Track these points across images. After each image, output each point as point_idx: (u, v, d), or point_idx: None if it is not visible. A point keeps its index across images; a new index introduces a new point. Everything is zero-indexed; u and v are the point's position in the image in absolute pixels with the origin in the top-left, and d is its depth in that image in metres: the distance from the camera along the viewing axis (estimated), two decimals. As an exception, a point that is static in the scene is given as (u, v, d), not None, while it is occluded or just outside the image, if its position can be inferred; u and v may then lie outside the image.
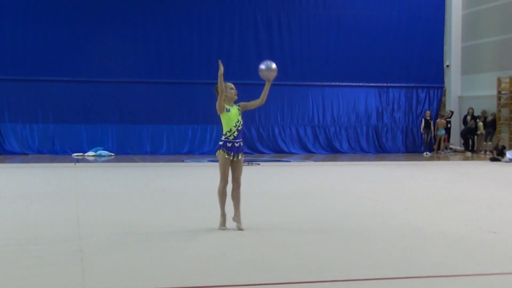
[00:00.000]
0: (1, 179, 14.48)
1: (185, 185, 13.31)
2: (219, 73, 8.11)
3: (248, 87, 25.24)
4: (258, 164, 19.48)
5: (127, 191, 11.87)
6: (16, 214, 9.01)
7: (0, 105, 23.80)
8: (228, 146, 7.93)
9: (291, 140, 26.04)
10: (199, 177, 15.41)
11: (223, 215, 8.00)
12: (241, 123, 8.11)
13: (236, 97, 8.32)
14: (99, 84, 24.30)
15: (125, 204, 10.09)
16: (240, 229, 7.79)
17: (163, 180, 14.32)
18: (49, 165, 18.86)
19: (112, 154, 23.42)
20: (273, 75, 8.48)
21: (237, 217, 7.94)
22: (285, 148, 25.85)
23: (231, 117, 8.06)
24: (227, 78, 23.94)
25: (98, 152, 23.23)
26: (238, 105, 8.33)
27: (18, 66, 23.68)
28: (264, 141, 25.79)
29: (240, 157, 8.05)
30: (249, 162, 19.65)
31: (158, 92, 24.93)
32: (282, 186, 13.31)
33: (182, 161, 21.20)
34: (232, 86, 8.35)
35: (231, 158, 7.91)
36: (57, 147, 24.04)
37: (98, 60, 24.26)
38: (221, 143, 8.03)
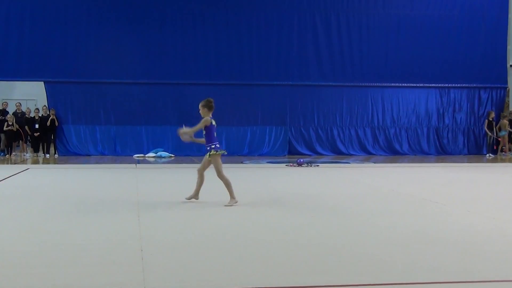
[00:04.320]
0: (65, 179, 14.80)
1: (246, 185, 13.33)
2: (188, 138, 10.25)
3: (307, 88, 25.41)
4: (317, 165, 19.39)
5: (188, 191, 11.97)
6: (80, 215, 9.16)
7: (64, 107, 24.37)
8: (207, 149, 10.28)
9: (350, 142, 25.86)
10: (259, 178, 15.42)
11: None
12: (203, 132, 10.33)
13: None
14: (160, 86, 24.65)
15: (186, 205, 10.15)
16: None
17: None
18: (111, 166, 19.17)
19: (172, 155, 23.68)
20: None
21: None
22: (344, 150, 25.68)
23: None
24: (284, 80, 23.72)
25: (159, 154, 23.52)
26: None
27: (81, 69, 24.22)
28: (323, 142, 25.68)
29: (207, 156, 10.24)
30: (308, 163, 19.59)
31: (217, 94, 25.03)
32: (341, 188, 13.21)
33: (242, 162, 21.25)
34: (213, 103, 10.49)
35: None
36: (118, 148, 24.46)
37: (159, 63, 24.61)
38: (213, 146, 10.21)
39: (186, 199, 10.46)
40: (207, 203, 10.36)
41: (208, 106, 10.50)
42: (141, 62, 24.59)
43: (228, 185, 10.21)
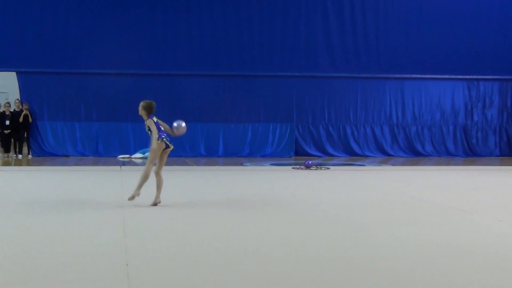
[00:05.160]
0: (39, 183, 14.81)
1: (246, 191, 13.33)
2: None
3: (316, 80, 25.42)
4: (328, 168, 19.40)
5: (180, 197, 11.96)
6: (56, 223, 9.17)
7: (39, 101, 24.36)
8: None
9: (365, 141, 25.87)
10: (262, 182, 15.43)
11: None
12: (148, 131, 11.11)
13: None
14: (148, 78, 24.65)
15: (176, 213, 10.17)
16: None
17: (221, 187, 14.38)
18: (93, 169, 19.17)
19: (162, 156, 23.66)
20: (182, 131, 11.12)
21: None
22: (358, 150, 25.70)
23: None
24: (290, 70, 23.73)
25: (146, 154, 23.51)
26: (145, 121, 11.22)
27: (58, 57, 24.18)
28: (335, 142, 25.70)
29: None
30: (317, 166, 19.61)
31: (214, 86, 25.13)
32: (354, 194, 13.21)
33: (242, 164, 21.26)
34: (154, 106, 11.32)
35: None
36: (101, 148, 24.47)
37: (148, 51, 24.60)
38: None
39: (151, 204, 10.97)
40: (200, 211, 10.37)
41: (149, 109, 11.23)
42: (127, 50, 24.58)
43: (144, 179, 10.92)
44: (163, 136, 10.93)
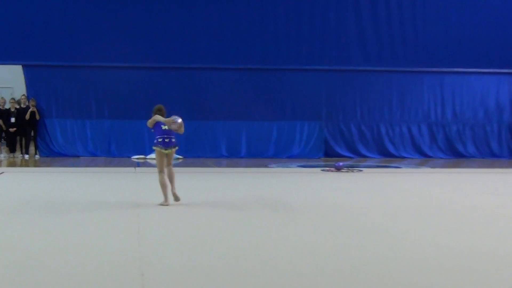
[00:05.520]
0: (47, 186, 14.86)
1: (270, 195, 13.32)
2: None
3: (348, 74, 25.35)
4: (360, 170, 19.35)
5: (199, 202, 11.98)
6: (65, 229, 9.20)
7: (47, 97, 24.49)
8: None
9: (401, 141, 25.79)
10: (288, 186, 15.40)
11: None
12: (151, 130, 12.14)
13: None
14: (164, 72, 24.69)
15: (194, 218, 10.17)
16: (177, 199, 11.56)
17: (243, 190, 14.38)
18: (105, 170, 19.25)
19: (180, 157, 23.72)
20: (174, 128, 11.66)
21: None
22: (393, 151, 25.63)
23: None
24: (319, 63, 23.63)
25: (163, 155, 23.56)
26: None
27: (68, 50, 24.27)
28: (368, 142, 25.64)
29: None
30: (349, 168, 19.55)
31: (236, 81, 25.12)
32: (389, 199, 13.16)
33: (266, 166, 21.24)
34: (161, 108, 11.99)
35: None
36: (113, 148, 24.55)
37: (165, 43, 24.61)
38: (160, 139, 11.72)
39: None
40: (220, 216, 10.36)
41: (155, 113, 12.03)
42: (142, 42, 24.63)
43: (163, 187, 11.67)
44: (160, 140, 11.81)
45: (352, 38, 25.40)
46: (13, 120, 23.76)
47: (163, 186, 11.59)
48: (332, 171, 19.07)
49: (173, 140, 11.89)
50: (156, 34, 24.60)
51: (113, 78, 24.71)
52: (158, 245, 8.11)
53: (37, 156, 23.96)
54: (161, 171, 11.71)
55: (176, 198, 11.63)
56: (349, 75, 25.57)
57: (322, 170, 19.42)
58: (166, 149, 11.78)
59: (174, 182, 11.78)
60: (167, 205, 11.42)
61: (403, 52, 25.57)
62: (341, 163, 19.61)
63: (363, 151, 25.52)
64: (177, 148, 11.98)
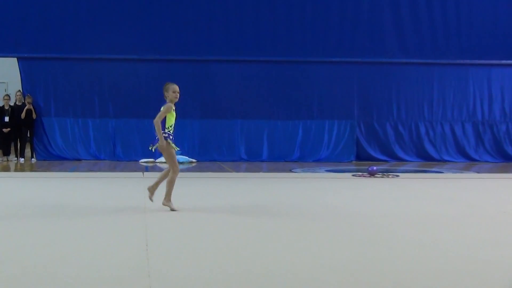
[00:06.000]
0: (45, 193, 14.92)
1: (296, 204, 13.33)
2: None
3: (383, 66, 25.31)
4: (396, 176, 19.32)
5: (213, 210, 12.01)
6: (66, 242, 9.25)
7: (45, 93, 24.61)
8: (171, 138, 11.89)
9: (443, 143, 25.74)
10: (315, 193, 15.40)
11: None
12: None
13: (177, 100, 11.96)
14: (176, 64, 24.72)
15: (209, 229, 10.20)
16: (173, 209, 11.82)
17: (264, 198, 14.39)
18: (109, 175, 19.33)
19: (194, 160, 23.79)
20: None
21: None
22: (434, 154, 25.59)
23: (175, 115, 11.95)
24: (351, 55, 23.68)
25: (178, 158, 23.60)
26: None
27: (68, 40, 24.38)
28: (405, 143, 25.61)
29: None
30: (384, 173, 19.53)
31: (257, 75, 25.12)
32: (430, 207, 13.12)
33: (290, 171, 21.24)
34: (176, 89, 11.97)
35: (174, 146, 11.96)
36: (119, 151, 24.63)
37: (176, 32, 24.66)
38: (166, 135, 11.82)
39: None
40: (237, 227, 10.38)
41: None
42: (151, 31, 24.68)
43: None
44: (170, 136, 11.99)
45: (388, 26, 25.36)
46: (7, 119, 23.88)
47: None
48: (364, 176, 19.05)
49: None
50: (166, 22, 24.65)
51: (119, 72, 24.77)
52: (168, 260, 8.14)
53: (33, 160, 24.10)
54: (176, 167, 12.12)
55: (151, 197, 12.19)
56: (384, 68, 25.53)
57: (354, 176, 19.40)
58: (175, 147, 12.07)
59: (159, 184, 12.27)
60: (173, 209, 11.89)
61: (445, 42, 25.50)
62: (375, 168, 19.57)
63: (400, 153, 25.47)
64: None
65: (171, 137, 11.89)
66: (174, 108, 11.94)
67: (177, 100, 11.95)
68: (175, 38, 24.63)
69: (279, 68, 25.11)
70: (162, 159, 23.48)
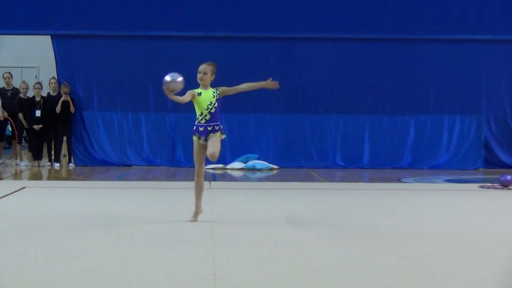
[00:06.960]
0: (87, 208, 14.99)
1: (404, 224, 13.21)
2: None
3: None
4: None
5: (296, 229, 12.00)
6: (114, 271, 9.28)
7: (85, 81, 24.68)
8: (200, 131, 12.65)
9: None
10: (430, 209, 15.27)
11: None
12: (215, 105, 12.65)
13: (203, 82, 12.72)
14: (251, 43, 24.87)
15: (289, 254, 10.13)
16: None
17: (362, 215, 14.27)
18: (167, 185, 19.45)
19: (274, 166, 23.79)
20: (179, 86, 12.76)
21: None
22: None
23: (201, 101, 12.65)
24: (479, 33, 23.45)
25: (250, 163, 23.65)
26: (217, 89, 12.82)
27: (114, 15, 24.49)
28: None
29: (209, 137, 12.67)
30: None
31: (352, 58, 24.97)
32: None
33: (399, 180, 21.14)
34: (199, 68, 12.74)
35: (201, 141, 12.70)
36: (179, 154, 24.72)
37: (249, 3, 24.53)
38: (194, 128, 12.69)
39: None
40: (325, 251, 10.29)
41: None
42: (218, 2, 24.70)
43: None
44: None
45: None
46: (38, 113, 23.91)
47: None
48: (496, 188, 18.84)
49: (215, 127, 12.73)
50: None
51: (179, 53, 24.68)
52: (235, 285, 8.13)
53: (71, 165, 24.30)
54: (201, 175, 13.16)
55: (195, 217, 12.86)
56: (424, 45, 25.12)
57: (481, 187, 19.25)
58: (200, 138, 12.73)
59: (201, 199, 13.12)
60: (200, 212, 12.81)
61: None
62: (509, 177, 19.31)
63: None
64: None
65: (200, 130, 12.61)
66: (199, 92, 12.64)
67: (202, 82, 12.65)
68: (248, 11, 24.57)
69: (385, 48, 24.93)
70: (236, 164, 23.59)
